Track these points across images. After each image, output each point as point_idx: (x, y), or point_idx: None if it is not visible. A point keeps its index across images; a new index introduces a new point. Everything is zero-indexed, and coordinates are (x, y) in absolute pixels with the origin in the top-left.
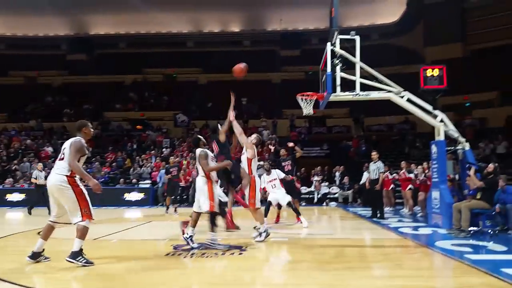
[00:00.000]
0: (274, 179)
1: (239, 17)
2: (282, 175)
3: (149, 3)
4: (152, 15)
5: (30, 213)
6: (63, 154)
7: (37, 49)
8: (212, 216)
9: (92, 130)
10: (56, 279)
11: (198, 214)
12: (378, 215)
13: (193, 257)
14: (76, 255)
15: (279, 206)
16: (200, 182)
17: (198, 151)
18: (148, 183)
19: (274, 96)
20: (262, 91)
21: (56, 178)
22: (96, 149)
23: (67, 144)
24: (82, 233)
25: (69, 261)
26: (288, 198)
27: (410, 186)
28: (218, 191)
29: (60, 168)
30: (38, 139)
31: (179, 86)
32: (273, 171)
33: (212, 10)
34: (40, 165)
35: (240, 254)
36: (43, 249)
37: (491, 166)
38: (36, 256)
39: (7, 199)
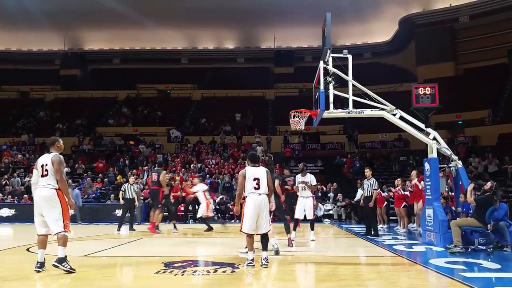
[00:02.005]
0: (306, 182)
1: (234, 35)
2: (315, 181)
3: (144, 20)
4: (147, 31)
5: None
6: (46, 170)
7: (31, 64)
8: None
9: (62, 145)
10: None
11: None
12: (372, 232)
13: (184, 275)
14: (62, 260)
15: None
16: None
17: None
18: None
19: (268, 113)
20: (256, 107)
21: (47, 192)
22: (88, 164)
23: (47, 160)
24: (65, 241)
25: (55, 266)
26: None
27: (404, 203)
28: None
29: (50, 183)
30: (30, 154)
31: (172, 102)
32: (308, 174)
33: (207, 27)
34: None
35: (233, 272)
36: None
37: (488, 184)
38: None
39: None
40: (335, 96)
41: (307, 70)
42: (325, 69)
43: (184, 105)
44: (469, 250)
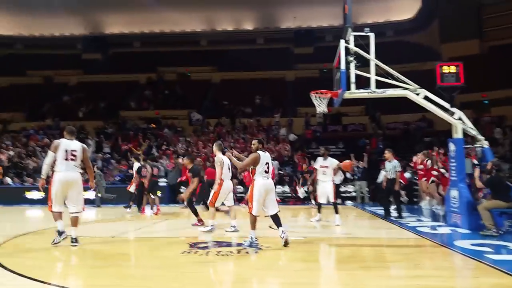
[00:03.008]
0: (326, 167)
1: (253, 15)
2: (335, 163)
3: (163, 2)
4: (166, 14)
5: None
6: (73, 155)
7: (54, 49)
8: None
9: None
10: (74, 275)
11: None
12: (396, 214)
13: (208, 255)
14: (76, 240)
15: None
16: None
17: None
18: (164, 182)
19: (288, 94)
20: (276, 89)
21: (77, 175)
22: (113, 147)
23: (75, 147)
24: (79, 222)
25: (75, 245)
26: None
27: (433, 178)
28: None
29: (77, 167)
30: (55, 138)
31: (193, 85)
32: (329, 158)
33: (226, 8)
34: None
35: (256, 252)
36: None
37: (489, 164)
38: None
39: (27, 197)
40: (356, 76)
41: (328, 50)
42: (346, 48)
43: (204, 88)
44: (502, 232)
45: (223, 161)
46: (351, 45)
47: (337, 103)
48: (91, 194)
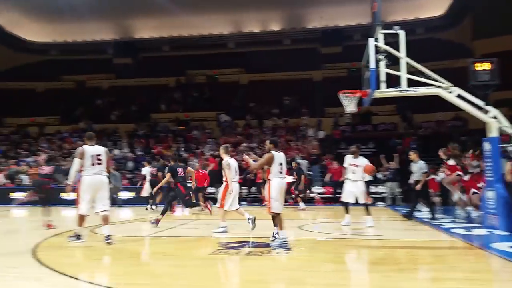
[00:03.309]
0: (356, 165)
1: (279, 16)
2: (365, 162)
3: (190, 7)
4: (194, 18)
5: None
6: (99, 160)
7: (86, 54)
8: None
9: None
10: (103, 273)
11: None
12: (430, 216)
13: (239, 255)
14: (109, 237)
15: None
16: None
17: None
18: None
19: (315, 94)
20: (304, 90)
21: (104, 178)
22: (145, 149)
23: (100, 151)
24: (109, 220)
25: (109, 242)
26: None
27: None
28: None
29: (103, 170)
30: None
31: (221, 87)
32: (360, 157)
33: (252, 10)
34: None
35: (286, 253)
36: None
37: None
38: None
39: (62, 198)
40: (386, 75)
41: (356, 49)
42: (376, 47)
43: (232, 89)
44: None
45: (229, 164)
46: (381, 43)
47: (367, 102)
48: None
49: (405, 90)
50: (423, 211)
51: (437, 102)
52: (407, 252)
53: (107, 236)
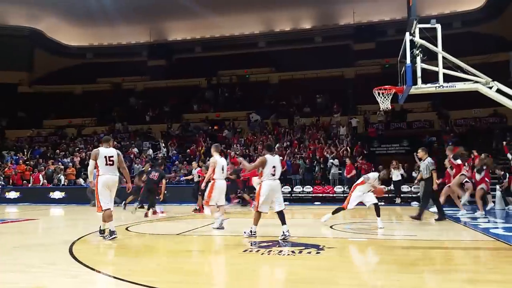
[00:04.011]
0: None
1: (310, 14)
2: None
3: (222, 8)
4: (225, 18)
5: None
6: (111, 161)
7: (121, 57)
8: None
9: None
10: (137, 271)
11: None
12: (437, 216)
13: (270, 254)
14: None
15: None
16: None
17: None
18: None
19: (347, 92)
20: (336, 87)
21: (117, 178)
22: (178, 148)
23: (112, 153)
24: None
25: (107, 237)
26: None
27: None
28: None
29: (116, 171)
30: (124, 141)
31: (251, 86)
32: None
33: (283, 8)
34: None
35: (318, 253)
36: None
37: None
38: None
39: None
40: (422, 70)
41: (390, 45)
42: (412, 42)
43: (262, 89)
44: None
45: (216, 162)
46: (417, 38)
47: (402, 99)
48: None
49: (442, 86)
50: (432, 211)
51: (473, 99)
52: (443, 252)
53: (111, 231)
